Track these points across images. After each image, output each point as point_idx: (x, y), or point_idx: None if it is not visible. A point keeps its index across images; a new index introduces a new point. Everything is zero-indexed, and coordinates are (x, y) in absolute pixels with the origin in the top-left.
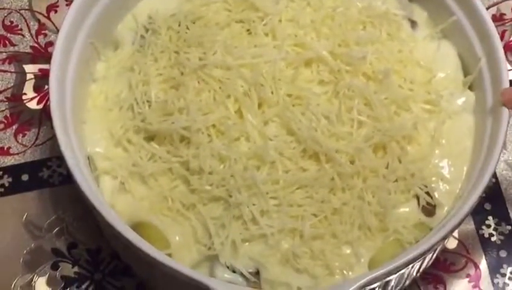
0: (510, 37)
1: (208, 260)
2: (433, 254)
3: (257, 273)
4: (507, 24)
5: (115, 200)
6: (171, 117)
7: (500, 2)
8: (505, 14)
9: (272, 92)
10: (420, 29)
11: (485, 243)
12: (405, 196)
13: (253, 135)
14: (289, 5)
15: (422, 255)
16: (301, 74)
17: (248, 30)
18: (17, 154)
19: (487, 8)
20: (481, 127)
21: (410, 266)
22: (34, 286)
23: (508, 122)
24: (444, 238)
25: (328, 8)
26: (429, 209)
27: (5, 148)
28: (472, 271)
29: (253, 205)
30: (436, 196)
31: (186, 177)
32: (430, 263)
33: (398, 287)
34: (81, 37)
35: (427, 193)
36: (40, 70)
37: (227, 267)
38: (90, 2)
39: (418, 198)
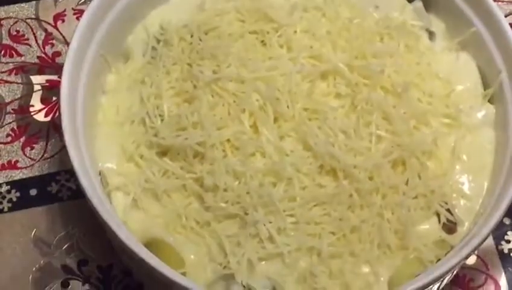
0: None
1: (224, 279)
2: (453, 271)
3: None
4: None
5: (128, 217)
6: (185, 132)
7: None
8: None
9: (288, 106)
10: (438, 40)
11: (505, 259)
12: (425, 213)
13: (269, 150)
14: (304, 15)
15: (444, 275)
16: (317, 87)
17: (262, 41)
18: (25, 168)
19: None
20: (502, 142)
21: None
22: None
23: None
24: (466, 257)
25: (344, 19)
26: (450, 227)
27: (13, 162)
28: (492, 288)
29: (270, 222)
30: (457, 212)
31: (200, 194)
32: (450, 279)
33: None
34: (91, 49)
35: (448, 210)
36: (47, 81)
37: (244, 287)
38: (101, 13)
39: (438, 215)
